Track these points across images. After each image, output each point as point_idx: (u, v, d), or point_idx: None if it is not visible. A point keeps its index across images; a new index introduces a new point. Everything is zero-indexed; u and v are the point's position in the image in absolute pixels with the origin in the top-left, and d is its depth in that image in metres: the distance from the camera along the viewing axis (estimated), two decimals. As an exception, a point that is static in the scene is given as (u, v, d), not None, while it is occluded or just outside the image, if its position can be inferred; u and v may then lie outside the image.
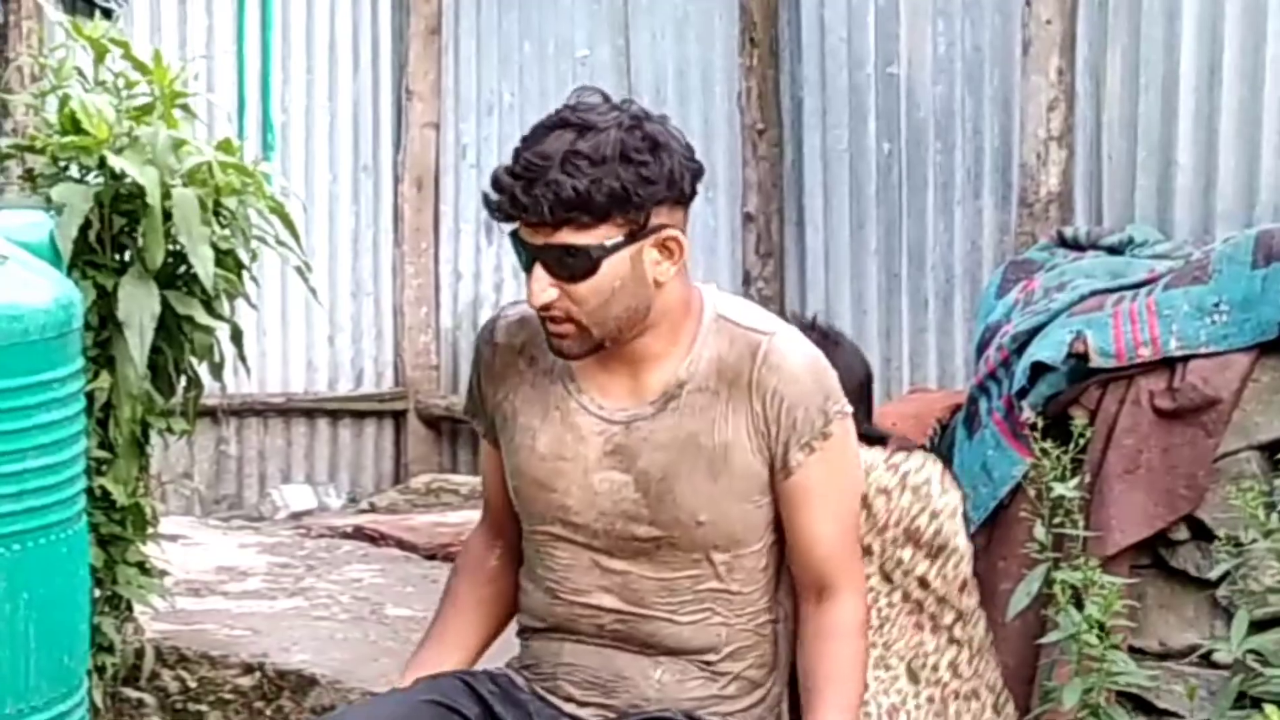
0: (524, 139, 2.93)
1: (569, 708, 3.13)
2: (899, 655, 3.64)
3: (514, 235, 2.96)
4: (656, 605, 3.09)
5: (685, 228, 3.02)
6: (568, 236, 2.90)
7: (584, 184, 2.87)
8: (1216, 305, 4.53)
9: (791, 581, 3.17)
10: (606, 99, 2.99)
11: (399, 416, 8.34)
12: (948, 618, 3.69)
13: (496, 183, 2.91)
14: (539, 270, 2.93)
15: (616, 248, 2.93)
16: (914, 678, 3.66)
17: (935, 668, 3.69)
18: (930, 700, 3.67)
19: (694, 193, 3.02)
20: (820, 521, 3.08)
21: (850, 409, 3.12)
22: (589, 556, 3.10)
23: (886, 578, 3.61)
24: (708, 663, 3.11)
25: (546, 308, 2.96)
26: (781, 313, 4.69)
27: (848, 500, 3.15)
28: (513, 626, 3.30)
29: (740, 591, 3.11)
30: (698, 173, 3.01)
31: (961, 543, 3.68)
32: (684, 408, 3.05)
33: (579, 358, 3.03)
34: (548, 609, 3.15)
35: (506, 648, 3.29)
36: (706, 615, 3.10)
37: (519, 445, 3.13)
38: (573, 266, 2.93)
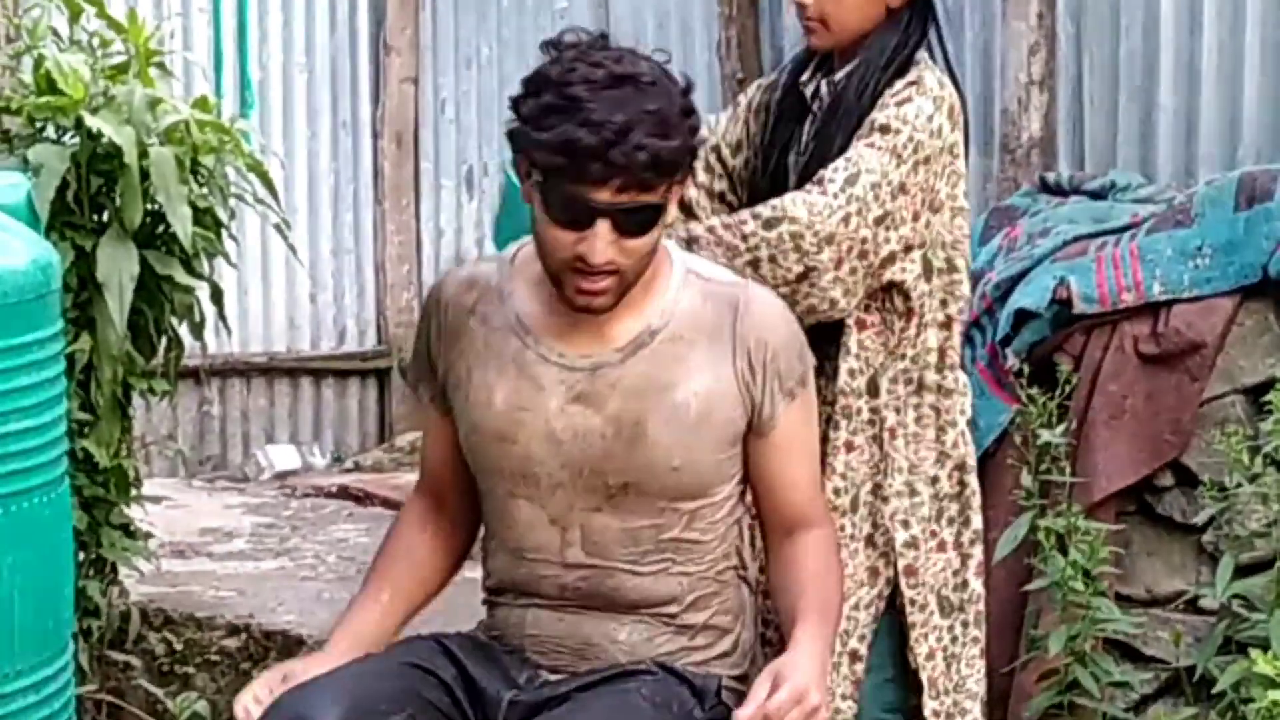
0: (575, 99, 2.89)
1: (542, 673, 3.13)
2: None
3: (564, 195, 2.93)
4: (618, 556, 3.08)
5: None
6: (640, 195, 2.92)
7: (669, 146, 2.90)
8: (1199, 249, 4.53)
9: (756, 533, 3.21)
10: (604, 37, 3.02)
11: (382, 374, 8.32)
12: None
13: (576, 145, 2.87)
14: (603, 227, 2.92)
15: (667, 203, 2.99)
16: None
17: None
18: None
19: None
20: (797, 466, 3.14)
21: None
22: (548, 512, 3.09)
23: None
24: (671, 615, 3.11)
25: (600, 266, 2.94)
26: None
27: (816, 441, 3.22)
28: (463, 586, 3.29)
29: (700, 540, 3.11)
30: None
31: None
32: (655, 355, 3.05)
33: (606, 310, 3.01)
34: (511, 570, 3.15)
35: (472, 611, 3.27)
36: (666, 565, 3.10)
37: (474, 402, 3.11)
38: (642, 223, 2.94)
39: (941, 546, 3.67)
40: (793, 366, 3.09)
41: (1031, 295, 4.56)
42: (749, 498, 3.21)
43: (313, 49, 8.17)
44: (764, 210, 3.39)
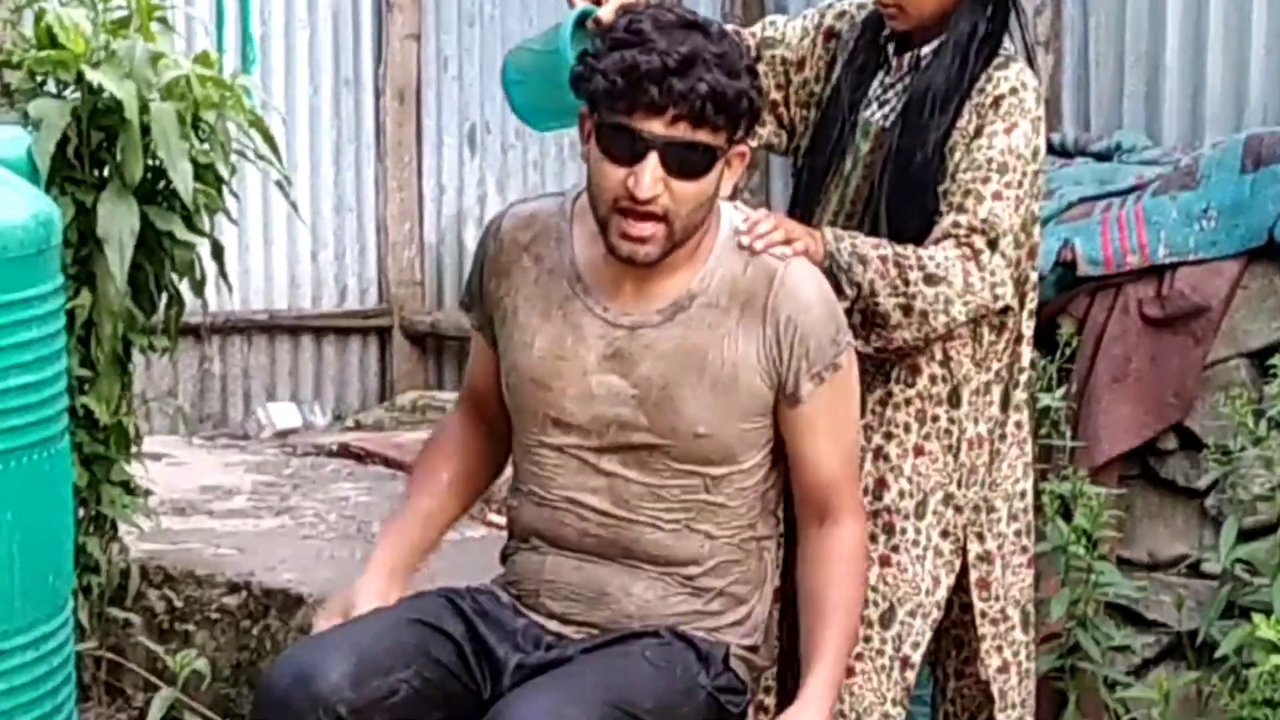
0: (641, 32, 2.92)
1: (553, 625, 3.13)
2: None
3: (616, 126, 2.93)
4: (642, 510, 3.09)
5: None
6: (697, 134, 2.92)
7: (734, 88, 2.92)
8: (1205, 211, 4.51)
9: (791, 504, 3.19)
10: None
11: (384, 333, 8.31)
12: None
13: (637, 69, 2.89)
14: (654, 161, 2.92)
15: (723, 153, 2.99)
16: None
17: None
18: None
19: None
20: (824, 447, 3.12)
21: (853, 339, 3.17)
22: (578, 458, 3.10)
23: None
24: (689, 577, 3.11)
25: (649, 202, 2.94)
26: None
27: (850, 427, 3.20)
28: (479, 544, 3.29)
29: (727, 505, 3.11)
30: None
31: None
32: (692, 320, 3.05)
33: (652, 263, 3.01)
34: (534, 516, 3.15)
35: (491, 565, 3.27)
36: (691, 526, 3.10)
37: (517, 343, 3.13)
38: (693, 164, 2.95)
39: (1025, 562, 3.64)
40: (823, 350, 3.08)
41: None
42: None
43: (315, 5, 8.13)
44: (929, 263, 3.33)
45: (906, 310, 3.34)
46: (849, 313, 3.30)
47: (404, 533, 3.26)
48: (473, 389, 3.33)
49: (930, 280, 3.33)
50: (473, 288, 3.24)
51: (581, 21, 3.30)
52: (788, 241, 3.15)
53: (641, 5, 3.08)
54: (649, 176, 2.92)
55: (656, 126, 2.91)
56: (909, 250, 3.35)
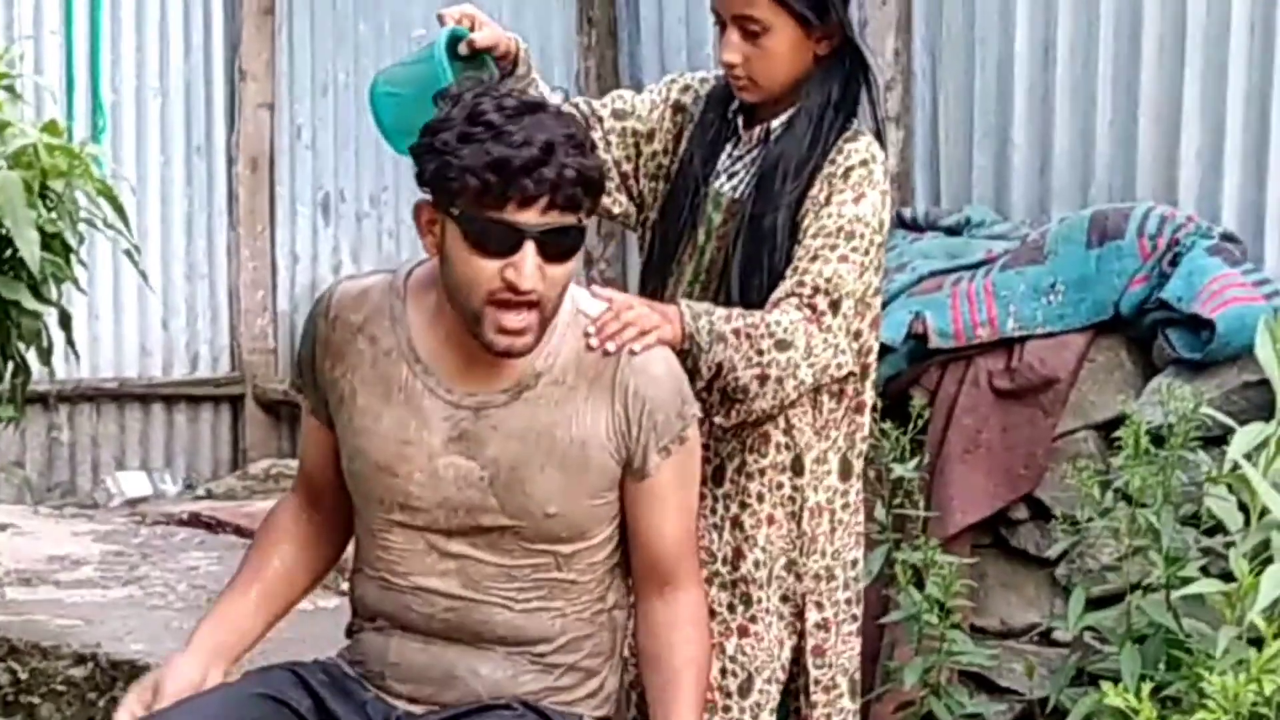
0: (490, 123, 2.88)
1: (401, 703, 3.09)
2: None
3: (489, 220, 2.88)
4: (493, 591, 3.06)
5: None
6: (564, 215, 2.90)
7: (593, 167, 2.92)
8: (1052, 286, 4.57)
9: (629, 576, 3.17)
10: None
11: (236, 401, 8.25)
12: None
13: (508, 164, 2.84)
14: (531, 250, 2.89)
15: (584, 229, 2.98)
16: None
17: None
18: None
19: None
20: (669, 520, 3.10)
21: (699, 412, 3.15)
22: (426, 540, 3.06)
23: None
24: (540, 654, 3.09)
25: (529, 291, 2.89)
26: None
27: (693, 498, 3.18)
28: (327, 615, 3.26)
29: (578, 581, 3.09)
30: None
31: None
32: (539, 398, 3.02)
33: (528, 352, 2.96)
34: (379, 599, 3.11)
35: (337, 640, 3.23)
36: (544, 604, 3.07)
37: (359, 427, 3.08)
38: (566, 248, 2.93)
39: (854, 630, 3.65)
40: (670, 423, 3.06)
41: (888, 330, 4.58)
42: None
43: (166, 73, 8.10)
44: (777, 329, 3.34)
45: (762, 380, 3.35)
46: (708, 389, 3.30)
47: (229, 618, 3.16)
48: (308, 475, 3.25)
49: (780, 346, 3.35)
50: (304, 369, 3.17)
51: (452, 43, 3.30)
52: (642, 334, 3.12)
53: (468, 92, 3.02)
54: (529, 266, 2.89)
55: (531, 216, 2.88)
56: (757, 318, 3.36)
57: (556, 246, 2.92)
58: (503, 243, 2.90)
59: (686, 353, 3.27)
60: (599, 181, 2.96)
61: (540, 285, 2.91)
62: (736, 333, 3.33)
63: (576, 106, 3.59)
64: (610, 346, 3.05)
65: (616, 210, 3.66)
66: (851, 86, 3.53)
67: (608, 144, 3.61)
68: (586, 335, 3.05)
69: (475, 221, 2.89)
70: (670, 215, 3.60)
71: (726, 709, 3.49)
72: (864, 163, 3.46)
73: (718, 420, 3.39)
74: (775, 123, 3.52)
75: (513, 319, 2.92)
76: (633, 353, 3.06)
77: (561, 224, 2.90)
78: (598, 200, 3.00)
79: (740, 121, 3.57)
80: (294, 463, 7.72)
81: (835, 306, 3.39)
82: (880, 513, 4.17)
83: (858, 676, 3.66)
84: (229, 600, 3.19)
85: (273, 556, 3.22)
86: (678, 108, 3.66)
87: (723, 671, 3.53)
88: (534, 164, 2.85)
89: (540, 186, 2.86)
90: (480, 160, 2.85)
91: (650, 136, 3.66)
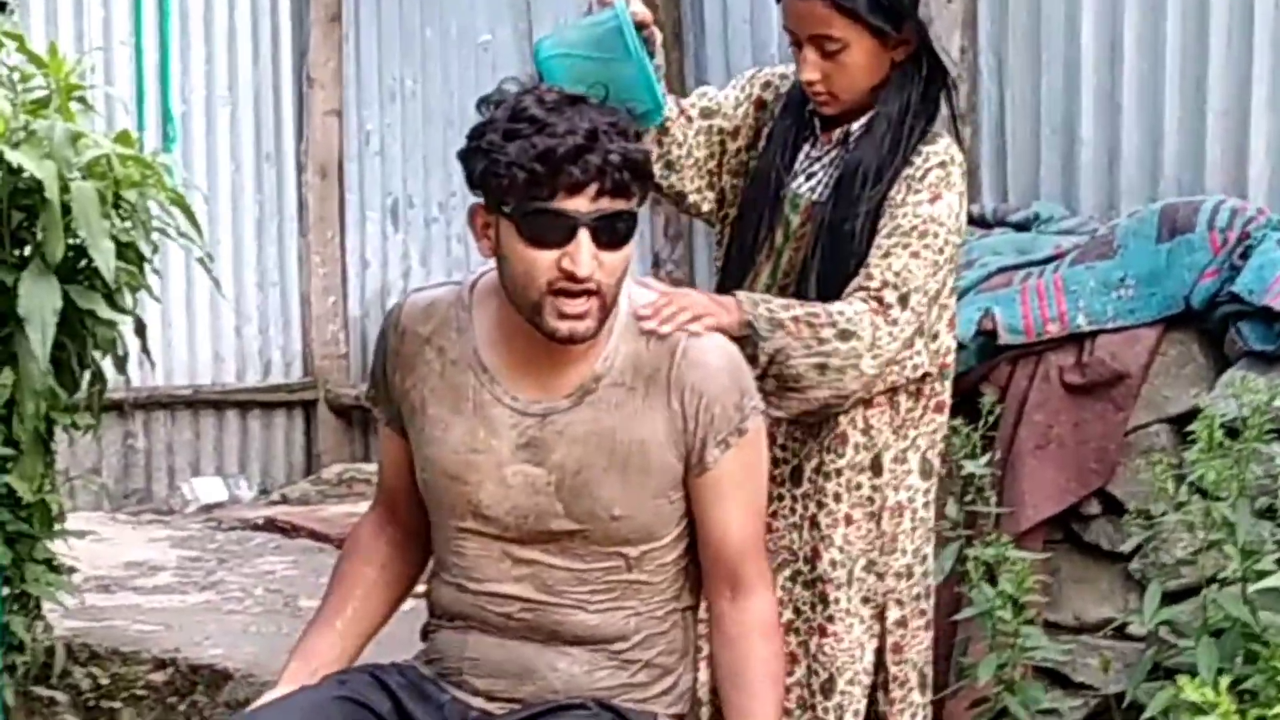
0: (533, 117, 2.91)
1: (477, 701, 3.11)
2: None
3: (541, 211, 2.91)
4: (567, 594, 3.08)
5: None
6: (616, 201, 2.93)
7: (640, 151, 2.95)
8: (1122, 280, 4.56)
9: (701, 577, 3.17)
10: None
11: (309, 406, 8.30)
12: None
13: (553, 153, 2.87)
14: (586, 238, 2.91)
15: (636, 214, 3.01)
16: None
17: None
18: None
19: None
20: (733, 515, 3.09)
21: (763, 405, 3.14)
22: (500, 547, 3.08)
23: None
24: (616, 651, 3.10)
25: (587, 279, 2.92)
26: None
27: (759, 495, 3.16)
28: (403, 618, 3.28)
29: (650, 582, 3.10)
30: None
31: None
32: (600, 402, 3.03)
33: (590, 338, 2.98)
34: (455, 601, 3.13)
35: (414, 641, 3.26)
36: (616, 604, 3.09)
37: (430, 437, 3.10)
38: (619, 234, 2.95)
39: (924, 624, 3.67)
40: (728, 416, 3.05)
41: (957, 326, 4.58)
42: None
43: (235, 82, 8.16)
44: (839, 319, 3.36)
45: (821, 368, 3.35)
46: (763, 378, 3.31)
47: (316, 652, 3.19)
48: (387, 488, 3.28)
49: (843, 335, 3.35)
50: (377, 382, 3.20)
51: None
52: (696, 318, 3.14)
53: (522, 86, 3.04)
54: (585, 254, 2.92)
55: (581, 204, 2.91)
56: (819, 307, 3.37)
57: (610, 233, 2.94)
58: (556, 232, 2.92)
59: (745, 340, 3.28)
60: (646, 166, 2.97)
61: (597, 273, 2.93)
62: (796, 320, 3.34)
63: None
64: (666, 329, 3.06)
65: (706, 208, 3.68)
66: (930, 90, 3.53)
67: (695, 143, 3.63)
68: (640, 319, 3.07)
69: (527, 215, 2.92)
70: (748, 215, 3.61)
71: (811, 707, 3.51)
72: (942, 164, 3.46)
73: (775, 413, 3.38)
74: (854, 126, 3.52)
75: (573, 305, 2.94)
76: (688, 334, 3.06)
77: (613, 210, 2.93)
78: (647, 186, 3.02)
79: (818, 123, 3.58)
80: (366, 467, 7.78)
81: (904, 301, 3.39)
82: (952, 509, 4.17)
83: (928, 670, 3.67)
84: (316, 633, 3.22)
85: (356, 585, 3.25)
86: (760, 104, 3.67)
87: (808, 669, 3.55)
88: (579, 151, 2.88)
89: (587, 173, 2.89)
90: (526, 154, 2.88)
91: (735, 133, 3.68)
